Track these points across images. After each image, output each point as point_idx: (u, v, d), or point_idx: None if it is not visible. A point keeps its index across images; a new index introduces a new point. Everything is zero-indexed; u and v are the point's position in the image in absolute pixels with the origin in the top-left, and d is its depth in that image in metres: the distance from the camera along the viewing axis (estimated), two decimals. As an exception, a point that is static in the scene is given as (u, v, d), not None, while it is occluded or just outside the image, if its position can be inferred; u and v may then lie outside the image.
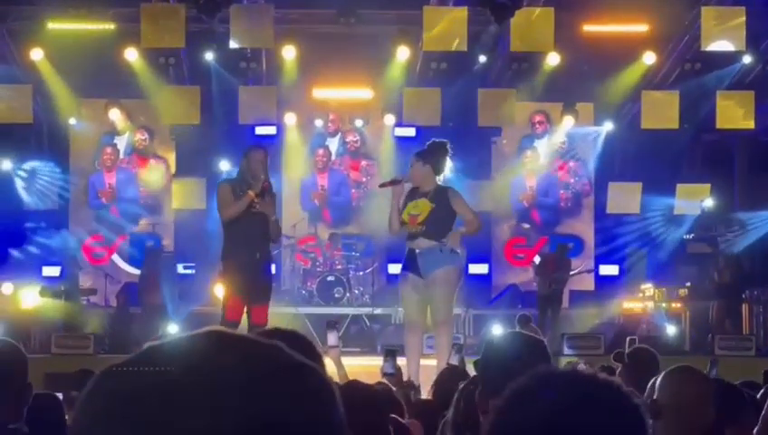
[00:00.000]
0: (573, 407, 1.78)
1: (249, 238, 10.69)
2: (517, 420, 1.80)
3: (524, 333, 7.19)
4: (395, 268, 19.89)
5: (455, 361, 7.11)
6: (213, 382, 1.24)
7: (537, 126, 21.02)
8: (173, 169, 20.74)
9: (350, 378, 6.01)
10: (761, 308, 18.57)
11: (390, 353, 6.37)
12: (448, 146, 10.74)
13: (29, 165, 20.24)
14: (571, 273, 19.19)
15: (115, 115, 20.19)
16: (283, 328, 3.56)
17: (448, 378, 6.25)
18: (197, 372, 1.25)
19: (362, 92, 20.11)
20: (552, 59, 18.77)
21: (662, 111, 19.25)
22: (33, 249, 19.95)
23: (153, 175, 20.77)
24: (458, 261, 10.70)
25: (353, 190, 21.24)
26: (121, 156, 20.97)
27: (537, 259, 19.69)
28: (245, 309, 10.73)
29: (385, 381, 6.26)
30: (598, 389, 1.85)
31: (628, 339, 14.85)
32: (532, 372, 1.85)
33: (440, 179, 10.83)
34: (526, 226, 21.22)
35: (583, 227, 21.42)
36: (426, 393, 7.22)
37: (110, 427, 1.24)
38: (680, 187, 20.37)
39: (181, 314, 17.47)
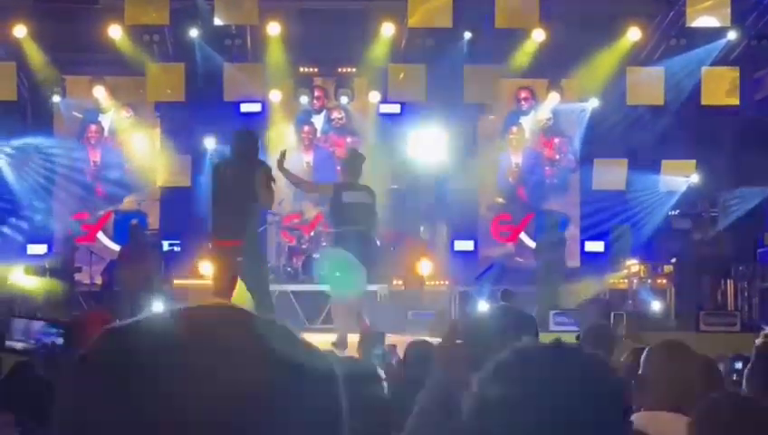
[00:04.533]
0: (555, 381, 1.76)
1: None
2: (499, 394, 1.78)
3: (512, 306, 7.17)
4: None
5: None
6: (224, 349, 1.22)
7: (522, 102, 20.96)
8: (158, 147, 20.65)
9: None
10: (745, 284, 18.65)
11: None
12: None
13: (21, 142, 20.09)
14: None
15: (99, 93, 20.09)
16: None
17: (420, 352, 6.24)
18: (208, 338, 1.22)
19: (347, 69, 20.04)
20: (538, 35, 18.71)
21: (647, 88, 19.24)
22: (16, 228, 19.85)
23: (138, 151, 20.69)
24: None
25: (338, 167, 21.16)
26: (106, 133, 20.87)
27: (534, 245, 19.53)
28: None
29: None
30: (581, 363, 1.84)
31: (612, 314, 14.89)
32: (513, 347, 1.84)
33: None
34: (500, 200, 21.10)
35: (569, 204, 21.41)
36: None
37: (114, 385, 1.19)
38: (665, 163, 20.36)
39: (166, 291, 17.42)
